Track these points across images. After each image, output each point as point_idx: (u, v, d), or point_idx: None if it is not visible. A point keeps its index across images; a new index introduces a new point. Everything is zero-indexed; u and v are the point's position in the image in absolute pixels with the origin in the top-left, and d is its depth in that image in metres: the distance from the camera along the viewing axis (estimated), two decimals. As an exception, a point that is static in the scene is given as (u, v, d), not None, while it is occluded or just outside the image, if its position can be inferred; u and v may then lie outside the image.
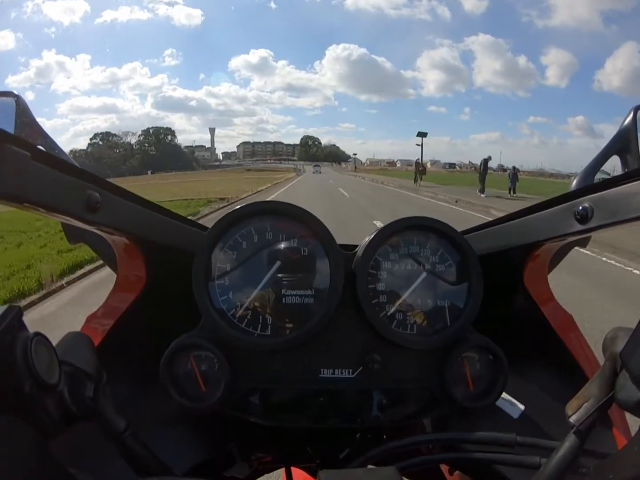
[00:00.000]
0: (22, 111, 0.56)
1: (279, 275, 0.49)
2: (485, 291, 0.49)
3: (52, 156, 0.37)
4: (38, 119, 0.57)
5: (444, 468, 0.60)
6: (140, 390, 0.50)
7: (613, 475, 0.28)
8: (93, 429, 0.32)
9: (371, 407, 0.53)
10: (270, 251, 0.49)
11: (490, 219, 0.57)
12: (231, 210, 0.49)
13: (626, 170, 0.57)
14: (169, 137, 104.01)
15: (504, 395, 0.51)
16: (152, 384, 0.48)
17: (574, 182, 0.58)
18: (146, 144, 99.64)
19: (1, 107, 0.58)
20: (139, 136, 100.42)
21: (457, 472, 0.56)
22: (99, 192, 0.40)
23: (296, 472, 0.64)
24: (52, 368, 0.28)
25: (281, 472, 0.66)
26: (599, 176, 0.58)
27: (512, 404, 0.52)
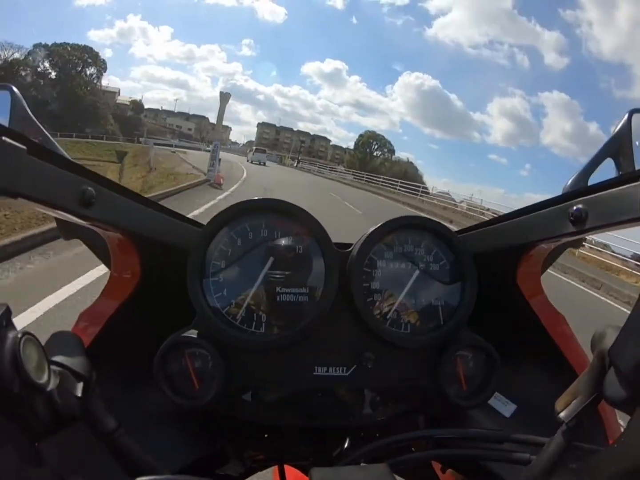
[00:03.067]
0: (17, 105, 0.56)
1: (274, 272, 0.49)
2: (479, 291, 0.50)
3: (47, 150, 0.37)
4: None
5: (437, 466, 0.60)
6: (132, 388, 0.50)
7: (602, 471, 0.28)
8: (83, 429, 0.32)
9: (364, 405, 0.54)
10: (265, 249, 0.49)
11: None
12: (226, 207, 0.49)
13: (620, 173, 0.57)
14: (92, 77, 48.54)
15: (497, 394, 0.52)
16: (145, 382, 0.48)
17: (568, 184, 0.59)
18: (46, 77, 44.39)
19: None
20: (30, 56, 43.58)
21: (449, 470, 0.56)
22: (94, 187, 0.40)
23: (289, 469, 0.64)
24: (41, 368, 0.27)
25: (274, 469, 0.67)
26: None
27: (504, 402, 0.53)
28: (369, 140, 69.98)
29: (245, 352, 0.49)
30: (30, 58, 41.95)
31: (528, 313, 0.54)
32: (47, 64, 44.12)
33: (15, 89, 0.57)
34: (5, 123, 0.54)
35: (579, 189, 0.44)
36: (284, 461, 0.62)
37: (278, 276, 0.49)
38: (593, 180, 0.57)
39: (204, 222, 0.50)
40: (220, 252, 0.49)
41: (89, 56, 49.22)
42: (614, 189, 0.39)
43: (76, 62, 47.12)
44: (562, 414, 0.33)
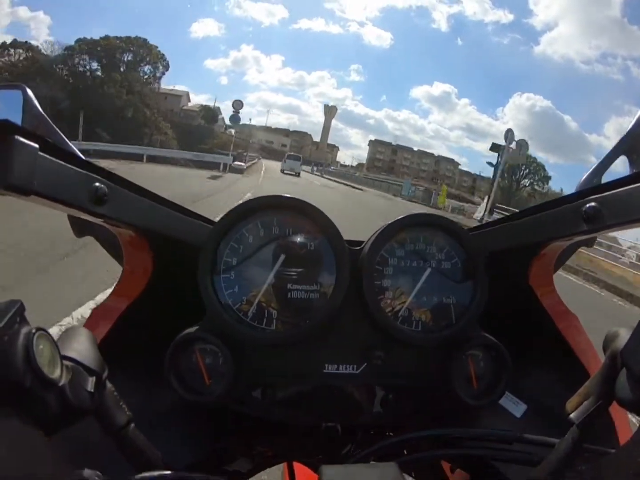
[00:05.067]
0: (29, 104, 0.56)
1: (285, 269, 0.49)
2: (491, 289, 0.49)
3: (60, 148, 0.37)
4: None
5: (446, 466, 0.60)
6: (143, 384, 0.50)
7: (613, 473, 0.28)
8: (93, 423, 0.32)
9: (374, 403, 0.54)
10: (276, 245, 0.49)
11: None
12: (238, 204, 0.49)
13: (634, 171, 0.57)
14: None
15: (507, 394, 0.51)
16: (155, 379, 0.48)
17: (581, 181, 0.58)
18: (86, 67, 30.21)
19: (8, 100, 0.58)
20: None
21: (458, 469, 0.56)
22: (106, 185, 0.40)
23: (298, 467, 0.64)
24: (54, 363, 0.28)
25: (283, 466, 0.67)
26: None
27: (515, 402, 0.52)
28: (517, 165, 43.63)
29: (255, 349, 0.49)
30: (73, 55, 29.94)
31: (540, 312, 0.53)
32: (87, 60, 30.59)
33: (27, 88, 0.57)
34: (18, 122, 0.55)
35: (592, 186, 0.43)
36: (293, 458, 0.62)
37: (289, 273, 0.49)
38: (607, 178, 0.56)
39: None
40: (232, 249, 0.49)
41: (144, 50, 34.18)
42: (628, 187, 0.38)
43: (120, 58, 32.83)
44: (572, 415, 0.33)
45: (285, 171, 31.62)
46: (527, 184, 53.92)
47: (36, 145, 0.33)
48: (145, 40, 34.80)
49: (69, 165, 0.37)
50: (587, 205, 0.41)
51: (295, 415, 0.53)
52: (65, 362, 0.29)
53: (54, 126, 0.56)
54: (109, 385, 0.33)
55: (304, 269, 0.49)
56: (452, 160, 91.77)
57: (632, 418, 0.45)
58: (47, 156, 0.34)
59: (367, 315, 0.49)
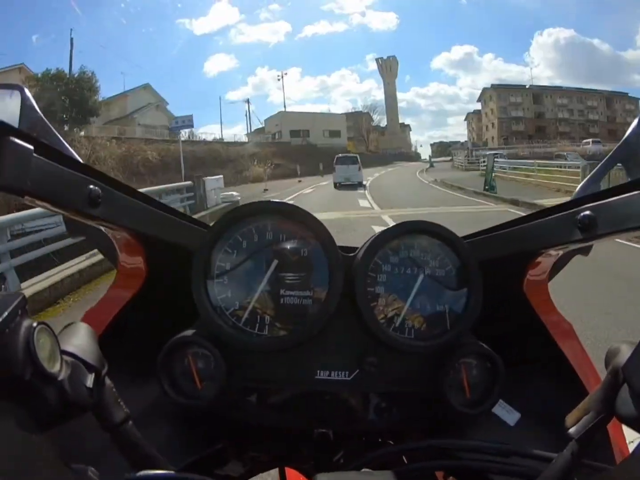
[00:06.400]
0: (27, 105, 0.56)
1: (278, 275, 0.49)
2: (485, 297, 0.49)
3: (55, 150, 0.37)
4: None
5: (439, 474, 0.60)
6: (136, 384, 0.50)
7: None
8: (90, 419, 0.32)
9: (367, 410, 0.53)
10: (270, 251, 0.49)
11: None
12: (232, 209, 0.49)
13: (629, 179, 0.56)
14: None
15: (501, 402, 0.51)
16: (148, 380, 0.48)
17: (577, 190, 0.58)
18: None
19: (6, 101, 0.58)
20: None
21: (451, 477, 0.56)
22: (101, 187, 0.40)
23: (290, 472, 0.64)
24: (54, 357, 0.28)
25: (276, 472, 0.66)
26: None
27: (508, 411, 0.52)
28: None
29: (247, 354, 0.48)
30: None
31: (534, 321, 0.53)
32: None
33: (26, 89, 0.57)
34: (15, 123, 0.55)
35: (588, 194, 0.43)
36: (286, 463, 0.62)
37: (282, 279, 0.49)
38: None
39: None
40: (225, 254, 0.49)
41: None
42: (623, 195, 0.38)
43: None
44: (572, 430, 0.33)
45: (340, 184, 20.15)
46: None
47: (30, 147, 0.33)
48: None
49: (64, 167, 0.37)
50: (582, 213, 0.41)
51: (287, 420, 0.53)
52: (65, 357, 0.29)
53: (52, 127, 0.56)
54: (107, 381, 0.33)
55: (298, 275, 0.49)
56: (626, 94, 56.54)
57: (628, 434, 0.44)
58: (42, 158, 0.34)
59: (360, 321, 0.49)
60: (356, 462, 0.45)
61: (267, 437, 0.57)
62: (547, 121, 54.12)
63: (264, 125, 50.28)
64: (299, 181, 22.92)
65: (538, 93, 54.71)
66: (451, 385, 0.48)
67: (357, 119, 54.63)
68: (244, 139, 44.41)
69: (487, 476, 0.44)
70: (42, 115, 0.57)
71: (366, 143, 53.99)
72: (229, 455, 0.56)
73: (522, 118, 54.10)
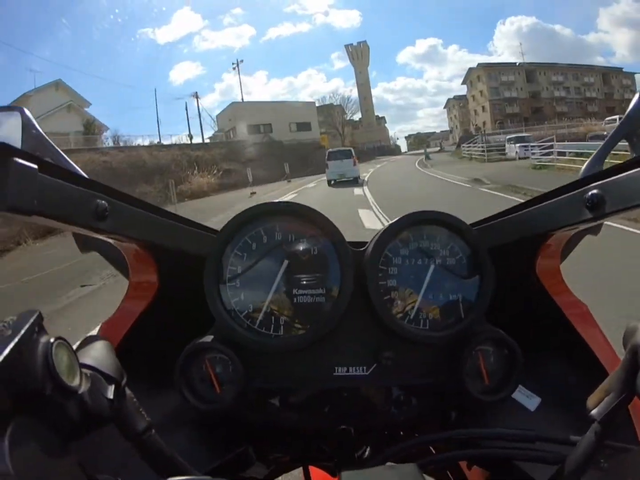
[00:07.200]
0: (28, 125, 0.57)
1: (290, 275, 0.49)
2: (498, 283, 0.49)
3: (59, 168, 0.37)
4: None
5: (462, 463, 0.60)
6: (156, 394, 0.51)
7: (635, 469, 0.28)
8: (113, 430, 0.32)
9: (386, 404, 0.53)
10: (280, 252, 0.49)
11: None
12: (240, 212, 0.49)
13: (634, 154, 0.56)
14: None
15: (520, 387, 0.51)
16: (168, 388, 0.48)
17: (583, 169, 0.57)
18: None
19: (7, 122, 0.58)
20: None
21: (475, 466, 0.55)
22: (107, 201, 0.41)
23: (314, 471, 0.64)
24: (73, 371, 0.28)
25: (300, 471, 0.67)
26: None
27: (528, 396, 0.52)
28: None
29: (265, 355, 0.49)
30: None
31: (549, 304, 0.53)
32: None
33: (26, 110, 0.58)
34: (18, 144, 0.56)
35: (594, 173, 0.42)
36: (309, 462, 0.62)
37: (294, 278, 0.49)
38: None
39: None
40: (236, 257, 0.49)
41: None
42: (630, 171, 0.37)
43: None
44: (594, 412, 0.32)
45: (334, 181, 17.78)
46: None
47: (35, 166, 0.33)
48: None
49: (69, 184, 0.37)
50: (590, 192, 0.41)
51: (308, 419, 0.53)
52: (84, 371, 0.30)
53: (55, 145, 0.57)
54: (128, 392, 0.33)
55: (309, 274, 0.49)
56: (621, 69, 52.63)
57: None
58: (47, 176, 0.35)
59: (374, 316, 0.49)
60: (379, 456, 0.45)
61: (288, 437, 0.57)
62: (543, 101, 49.04)
63: (215, 122, 41.40)
64: (252, 193, 15.39)
65: (531, 70, 49.69)
66: (469, 374, 0.48)
67: (330, 111, 48.71)
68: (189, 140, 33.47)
69: (512, 463, 0.44)
70: (44, 133, 0.57)
71: (341, 137, 46.49)
72: (252, 457, 0.57)
73: (516, 99, 48.87)
